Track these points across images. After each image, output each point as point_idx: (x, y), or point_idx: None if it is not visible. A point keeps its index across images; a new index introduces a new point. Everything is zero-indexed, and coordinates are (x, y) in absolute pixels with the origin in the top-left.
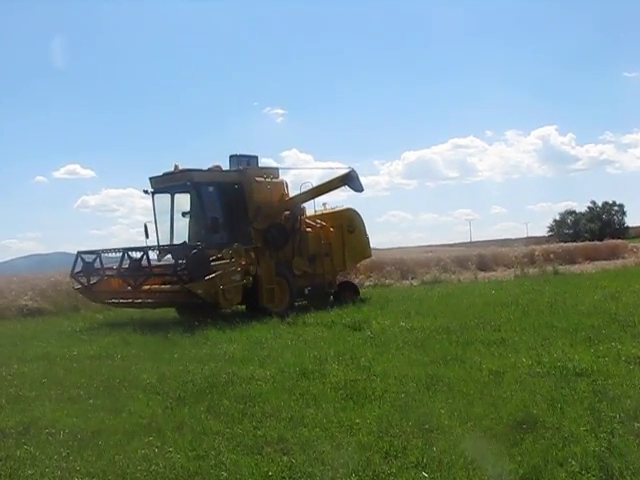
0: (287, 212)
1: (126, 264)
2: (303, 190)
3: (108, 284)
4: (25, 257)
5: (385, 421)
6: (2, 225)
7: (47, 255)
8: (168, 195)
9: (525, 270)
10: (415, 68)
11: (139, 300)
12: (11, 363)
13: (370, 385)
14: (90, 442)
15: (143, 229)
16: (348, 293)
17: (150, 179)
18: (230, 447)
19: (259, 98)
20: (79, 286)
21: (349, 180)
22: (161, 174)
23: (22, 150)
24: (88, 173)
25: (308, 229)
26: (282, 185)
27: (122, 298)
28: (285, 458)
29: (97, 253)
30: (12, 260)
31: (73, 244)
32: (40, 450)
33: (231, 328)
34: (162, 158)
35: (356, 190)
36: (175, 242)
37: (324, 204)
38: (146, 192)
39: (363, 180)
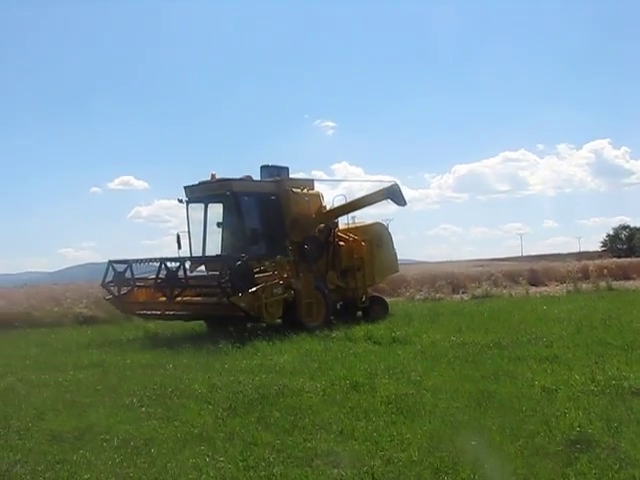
0: (322, 225)
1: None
2: (338, 204)
3: (139, 295)
4: (81, 265)
5: (436, 436)
6: (59, 234)
7: (102, 264)
8: (202, 205)
9: (578, 286)
10: (466, 81)
11: (171, 312)
12: (67, 370)
13: (421, 400)
14: (143, 449)
15: (175, 239)
16: (378, 308)
17: (185, 188)
18: (280, 458)
19: (310, 110)
20: (109, 296)
21: (392, 194)
22: (197, 183)
23: (79, 161)
24: (141, 184)
25: (341, 242)
26: (318, 197)
27: (154, 309)
28: (335, 471)
29: (128, 263)
30: (68, 269)
31: (126, 254)
32: (95, 455)
33: (281, 340)
34: (212, 169)
35: (399, 204)
36: (207, 253)
37: (353, 217)
38: (180, 201)
39: (413, 193)
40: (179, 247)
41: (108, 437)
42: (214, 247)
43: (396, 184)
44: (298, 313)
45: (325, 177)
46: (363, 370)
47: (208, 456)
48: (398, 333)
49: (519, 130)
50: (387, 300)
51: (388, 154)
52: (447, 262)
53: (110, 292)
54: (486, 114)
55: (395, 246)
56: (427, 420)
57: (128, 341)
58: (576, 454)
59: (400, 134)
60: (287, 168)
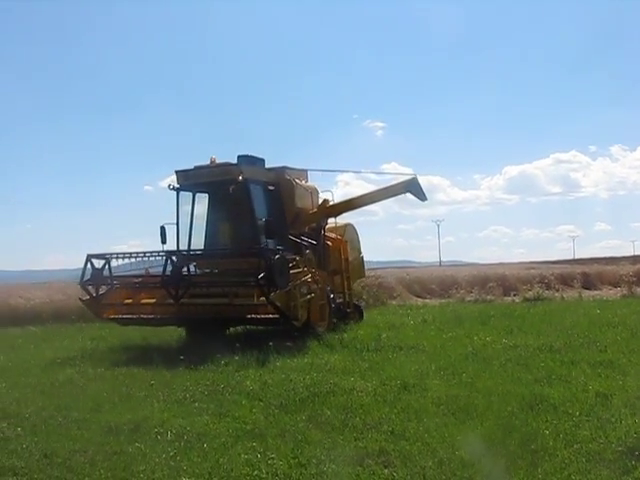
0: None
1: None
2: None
3: (117, 296)
4: (134, 263)
5: (488, 439)
6: (113, 231)
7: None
8: (196, 192)
9: (633, 290)
10: (516, 81)
11: (166, 315)
12: (122, 364)
13: (472, 402)
14: (196, 443)
15: (159, 233)
16: (356, 314)
17: (178, 173)
18: (331, 457)
19: (359, 110)
20: (86, 297)
21: (412, 187)
22: (193, 167)
23: (133, 160)
24: None
25: (328, 242)
26: (315, 190)
27: (151, 313)
28: (386, 471)
29: (106, 258)
30: (122, 265)
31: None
32: (150, 448)
33: (331, 339)
34: None
35: (420, 198)
36: (194, 247)
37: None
38: (172, 188)
39: (463, 194)
40: (163, 242)
41: (162, 430)
42: (199, 241)
43: (416, 177)
44: (313, 315)
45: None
46: (414, 370)
47: (260, 452)
48: (449, 334)
49: (570, 131)
50: (436, 302)
51: (438, 155)
52: (498, 264)
53: (87, 292)
54: (536, 115)
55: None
56: (479, 422)
57: (181, 337)
58: (633, 462)
59: (450, 134)
60: (263, 160)
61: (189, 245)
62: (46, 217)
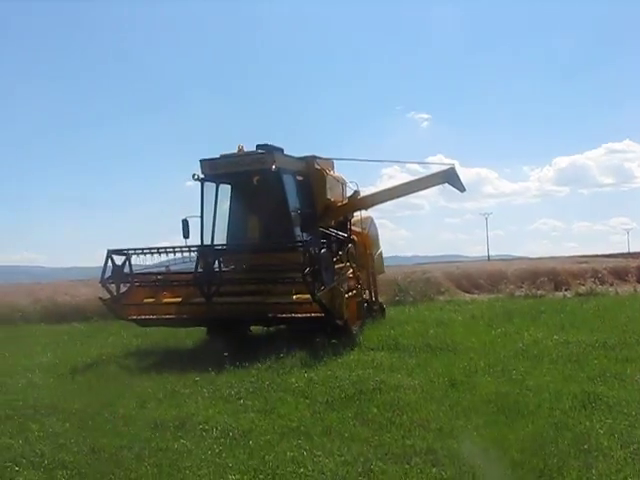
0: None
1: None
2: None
3: (138, 295)
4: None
5: (539, 438)
6: (156, 227)
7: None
8: (222, 183)
9: None
10: (566, 68)
11: (194, 316)
12: (165, 360)
13: (523, 400)
14: (241, 440)
15: (181, 226)
16: (381, 313)
17: (203, 162)
18: (378, 455)
19: (403, 101)
20: (107, 297)
21: (450, 178)
22: (219, 157)
23: (175, 156)
24: None
25: (354, 237)
26: (344, 182)
27: (177, 313)
28: (434, 470)
29: (127, 254)
30: (165, 261)
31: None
32: (195, 444)
33: (377, 335)
34: None
35: (459, 189)
36: (219, 242)
37: None
38: (197, 179)
39: (512, 187)
40: (186, 236)
41: (207, 427)
42: (239, 235)
43: (454, 167)
44: (350, 314)
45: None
46: (462, 367)
47: (306, 450)
48: (498, 331)
49: (623, 119)
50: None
51: (485, 146)
52: (548, 258)
53: (108, 291)
54: (587, 103)
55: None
56: (530, 421)
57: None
58: None
59: (497, 125)
60: (282, 150)
61: (212, 239)
62: (92, 214)
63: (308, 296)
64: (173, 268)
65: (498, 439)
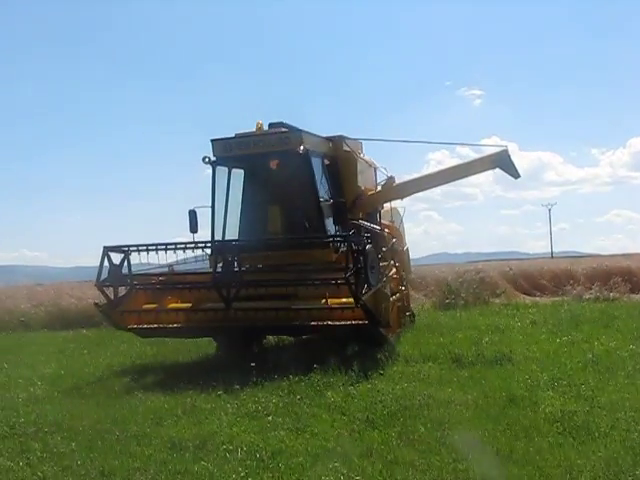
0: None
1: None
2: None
3: (137, 300)
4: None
5: (614, 464)
6: (175, 220)
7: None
8: (237, 167)
9: None
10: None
11: (210, 324)
12: (183, 372)
13: (593, 419)
14: (270, 463)
15: (188, 219)
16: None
17: (215, 142)
18: None
19: (452, 77)
20: (104, 302)
21: (502, 162)
22: (235, 136)
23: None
24: None
25: (385, 230)
26: (375, 167)
27: (189, 321)
28: None
29: (125, 251)
30: (179, 260)
31: None
32: (218, 467)
33: (423, 343)
34: None
35: (512, 175)
36: (230, 236)
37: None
38: (208, 161)
39: (578, 173)
40: (193, 230)
41: (231, 447)
42: (257, 227)
43: (507, 150)
44: (393, 320)
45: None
46: (522, 380)
47: (343, 474)
48: (564, 339)
49: None
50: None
51: (547, 126)
52: (622, 255)
53: (105, 296)
54: None
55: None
56: (602, 444)
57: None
58: None
59: (561, 102)
60: (300, 131)
61: (224, 234)
62: (98, 206)
63: (345, 300)
64: (178, 268)
65: (565, 464)
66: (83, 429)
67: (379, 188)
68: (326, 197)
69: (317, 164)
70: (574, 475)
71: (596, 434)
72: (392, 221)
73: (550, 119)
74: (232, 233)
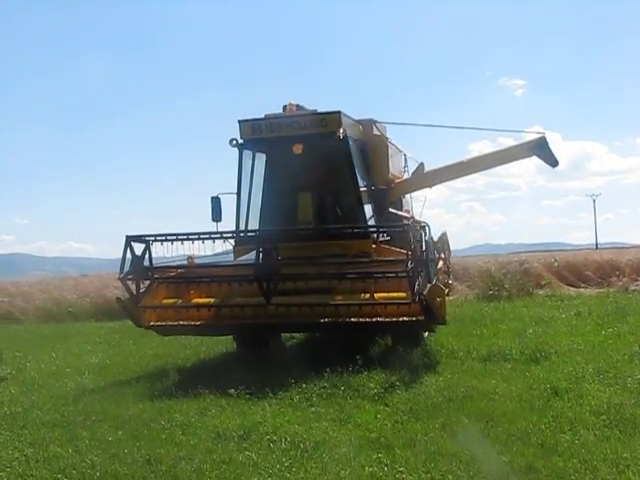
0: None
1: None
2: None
3: (157, 294)
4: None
5: None
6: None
7: None
8: (266, 151)
9: None
10: None
11: (245, 320)
12: (228, 362)
13: None
14: (313, 453)
15: (210, 206)
16: None
17: (244, 123)
18: (470, 473)
19: (494, 67)
20: (127, 297)
21: (540, 149)
22: (264, 117)
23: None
24: None
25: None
26: (404, 152)
27: (220, 318)
28: None
29: (146, 241)
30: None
31: None
32: (262, 457)
33: (467, 334)
34: None
35: (549, 163)
36: (253, 225)
37: None
38: (235, 144)
39: (623, 163)
40: (216, 219)
41: (275, 438)
42: (286, 216)
43: (544, 137)
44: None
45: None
46: (567, 372)
47: (387, 465)
48: (609, 331)
49: None
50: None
51: (590, 116)
52: None
53: (127, 290)
54: None
55: None
56: None
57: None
58: None
59: (605, 90)
60: (339, 112)
61: (247, 223)
62: (143, 199)
63: (396, 294)
64: (198, 261)
65: (611, 457)
66: (129, 418)
67: (407, 175)
68: (363, 184)
69: (355, 148)
70: (621, 469)
71: None
72: (407, 210)
73: (593, 108)
74: (258, 222)
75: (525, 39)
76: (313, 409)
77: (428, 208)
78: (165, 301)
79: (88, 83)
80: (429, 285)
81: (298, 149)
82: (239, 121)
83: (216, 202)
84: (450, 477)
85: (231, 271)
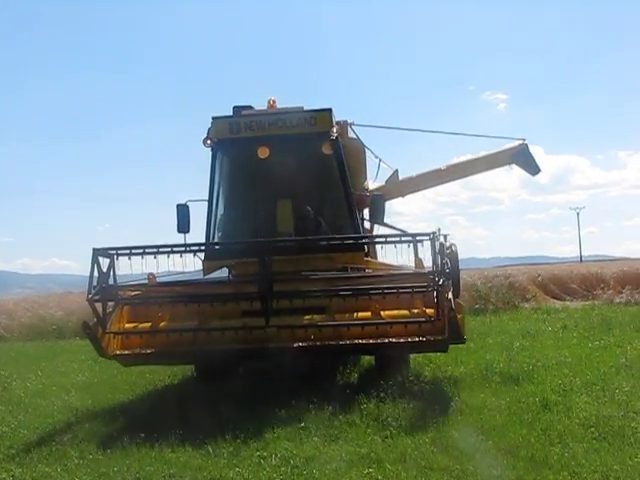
0: None
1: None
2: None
3: (121, 318)
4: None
5: None
6: None
7: None
8: (245, 152)
9: None
10: None
11: (237, 346)
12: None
13: (629, 424)
14: (304, 469)
15: (177, 215)
16: None
17: (219, 121)
18: None
19: (476, 81)
20: (93, 320)
21: (520, 157)
22: (242, 114)
23: None
24: None
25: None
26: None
27: (206, 343)
28: None
29: (110, 255)
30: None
31: None
32: (252, 473)
33: (453, 348)
34: None
35: (529, 172)
36: (226, 237)
37: None
38: (209, 145)
39: (606, 176)
40: (183, 229)
41: (265, 454)
42: (265, 226)
43: (526, 144)
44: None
45: None
46: (555, 385)
47: None
48: (596, 343)
49: None
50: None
51: (573, 130)
52: None
53: (95, 313)
54: None
55: None
56: (639, 449)
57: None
58: None
59: (587, 104)
60: (330, 110)
61: (218, 234)
62: (128, 215)
63: (406, 312)
64: (161, 279)
65: (601, 470)
66: (118, 435)
67: (381, 183)
68: (353, 192)
69: (343, 152)
70: None
71: (632, 439)
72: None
73: (576, 122)
74: (228, 234)
75: (507, 54)
76: (303, 424)
77: (413, 222)
78: (128, 326)
79: (71, 98)
80: (453, 301)
81: (262, 153)
82: (213, 118)
83: (183, 210)
84: None
85: (219, 288)
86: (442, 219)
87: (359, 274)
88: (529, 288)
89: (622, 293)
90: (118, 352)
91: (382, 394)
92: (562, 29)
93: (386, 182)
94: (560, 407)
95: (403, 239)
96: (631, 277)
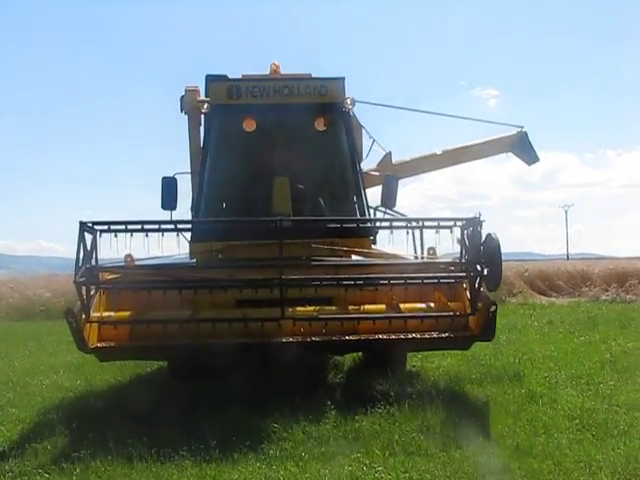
0: None
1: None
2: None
3: (103, 305)
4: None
5: (633, 460)
6: None
7: None
8: (241, 120)
9: None
10: None
11: (250, 340)
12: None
13: (612, 417)
14: (293, 452)
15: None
16: None
17: (215, 84)
18: (447, 473)
19: (467, 77)
20: (76, 306)
21: (518, 145)
22: (242, 77)
23: None
24: None
25: None
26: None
27: (211, 336)
28: None
29: (93, 230)
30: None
31: None
32: (241, 455)
33: None
34: None
35: (526, 161)
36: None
37: None
38: (203, 111)
39: (594, 175)
40: (169, 205)
41: (254, 437)
42: (253, 205)
43: (525, 132)
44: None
45: None
46: (541, 378)
47: (365, 465)
48: (581, 339)
49: None
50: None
51: (563, 127)
52: (639, 257)
53: (79, 297)
54: None
55: None
56: (621, 441)
57: None
58: None
59: (577, 102)
60: (343, 78)
61: (201, 210)
62: (116, 199)
63: (424, 305)
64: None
65: (585, 460)
66: (107, 414)
67: (371, 166)
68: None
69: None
70: (593, 470)
71: (615, 431)
72: None
73: (566, 120)
74: (214, 211)
75: (498, 49)
76: (291, 409)
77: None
78: (106, 314)
79: (59, 74)
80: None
81: (250, 125)
82: (208, 78)
83: (170, 184)
84: (428, 476)
85: (214, 274)
86: (431, 213)
87: (390, 261)
88: (516, 283)
89: (608, 291)
90: (100, 345)
91: (372, 383)
92: (554, 26)
93: (378, 165)
94: (545, 399)
95: (441, 224)
96: (616, 275)
